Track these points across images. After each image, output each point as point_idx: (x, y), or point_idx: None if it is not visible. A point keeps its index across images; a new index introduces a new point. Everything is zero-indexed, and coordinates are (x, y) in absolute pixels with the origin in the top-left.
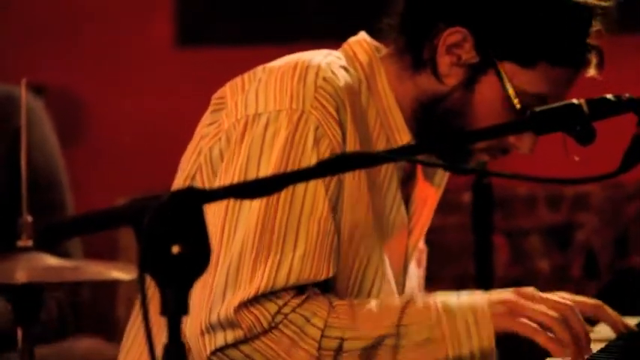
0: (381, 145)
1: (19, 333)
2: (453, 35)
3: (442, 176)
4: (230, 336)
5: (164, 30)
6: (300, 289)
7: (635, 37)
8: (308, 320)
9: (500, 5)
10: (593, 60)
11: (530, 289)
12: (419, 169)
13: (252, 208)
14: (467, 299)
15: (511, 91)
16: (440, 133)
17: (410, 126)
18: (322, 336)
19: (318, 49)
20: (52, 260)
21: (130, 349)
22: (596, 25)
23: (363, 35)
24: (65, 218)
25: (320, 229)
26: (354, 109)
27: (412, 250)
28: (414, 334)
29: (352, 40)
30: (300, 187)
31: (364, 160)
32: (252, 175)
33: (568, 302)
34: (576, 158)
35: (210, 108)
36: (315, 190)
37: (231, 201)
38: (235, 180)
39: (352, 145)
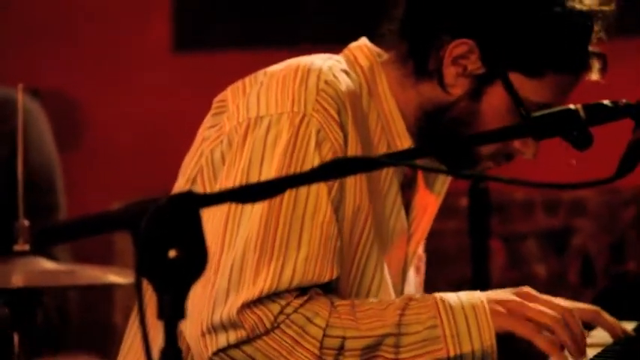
0: (382, 150)
1: (16, 338)
2: (460, 47)
3: (443, 183)
4: (232, 336)
5: (161, 33)
6: (302, 290)
7: (635, 40)
8: (310, 320)
9: (506, 17)
10: (596, 65)
11: (529, 289)
12: (420, 176)
13: (255, 210)
14: (467, 298)
15: (518, 101)
16: (441, 138)
17: (411, 132)
18: (324, 335)
19: (317, 52)
20: (48, 264)
21: (128, 353)
22: (597, 31)
23: (364, 41)
24: (61, 222)
25: (323, 232)
26: (355, 113)
27: (412, 256)
28: (415, 334)
29: (353, 45)
30: (303, 190)
31: (365, 163)
32: (254, 178)
33: (566, 305)
34: (573, 162)
35: (212, 111)
36: (318, 192)
37: (233, 204)
38: (237, 183)
39: (354, 148)
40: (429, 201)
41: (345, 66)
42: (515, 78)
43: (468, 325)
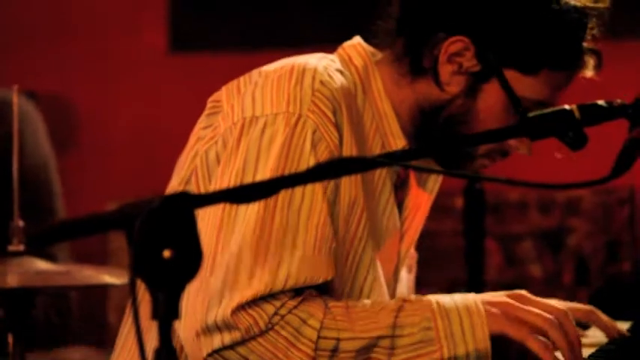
0: (376, 149)
1: (10, 338)
2: (455, 44)
3: (435, 182)
4: (227, 338)
5: (157, 36)
6: (296, 291)
7: (630, 42)
8: (304, 321)
9: (501, 13)
10: (591, 61)
11: (523, 292)
12: (412, 175)
13: (250, 210)
14: (461, 300)
15: (514, 98)
16: (436, 138)
17: (406, 131)
18: (318, 337)
19: (314, 53)
20: (43, 265)
21: (120, 353)
22: (591, 28)
23: (357, 39)
24: (56, 222)
25: (318, 233)
26: (350, 112)
27: (404, 254)
28: (410, 335)
29: (347, 44)
30: (299, 190)
31: (360, 164)
32: (249, 179)
33: (561, 306)
34: (558, 155)
35: (206, 111)
36: (314, 192)
37: (228, 205)
38: (232, 183)
39: (349, 148)
40: (421, 200)
41: (339, 65)
42: (511, 75)
43: (462, 326)
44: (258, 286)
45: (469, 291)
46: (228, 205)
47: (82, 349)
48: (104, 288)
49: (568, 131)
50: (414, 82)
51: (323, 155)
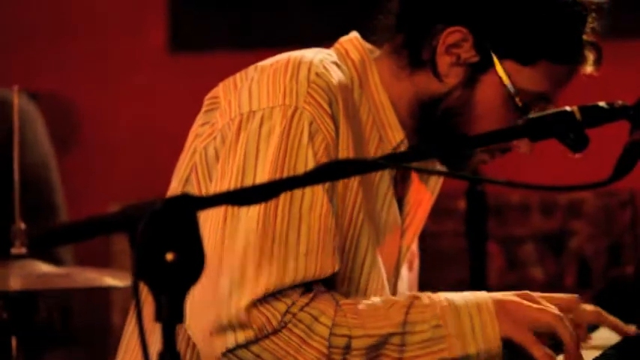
0: (373, 142)
1: (14, 342)
2: (453, 35)
3: (436, 181)
4: (241, 336)
5: (157, 36)
6: (306, 288)
7: (632, 42)
8: (316, 319)
9: (499, 4)
10: (590, 56)
11: (529, 293)
12: (413, 171)
13: (252, 208)
14: (472, 298)
15: (512, 89)
16: (437, 137)
17: (404, 124)
18: (331, 334)
19: None
20: (45, 267)
21: (125, 355)
22: (591, 22)
23: (354, 34)
24: (58, 225)
25: (321, 225)
26: (346, 105)
27: (405, 251)
28: (420, 333)
29: (343, 39)
30: None
31: (361, 166)
32: (249, 174)
33: (572, 299)
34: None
35: (204, 108)
36: (313, 185)
37: None
38: (233, 180)
39: (345, 140)
40: (423, 196)
41: (335, 59)
42: (509, 66)
43: (472, 325)
44: (267, 281)
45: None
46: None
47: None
48: (107, 290)
49: (569, 133)
50: (413, 74)
51: (320, 147)
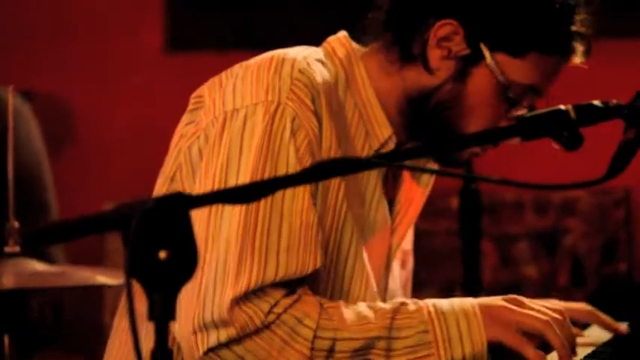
0: (360, 139)
1: (6, 339)
2: (443, 28)
3: (429, 177)
4: (223, 335)
5: (153, 36)
6: (290, 289)
7: (626, 41)
8: (300, 321)
9: None
10: (579, 48)
11: (518, 297)
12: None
13: (234, 205)
14: (459, 303)
15: (504, 81)
16: (427, 131)
17: (392, 120)
18: (314, 336)
19: None
20: (38, 266)
21: (114, 354)
22: (579, 13)
23: (342, 33)
24: (51, 223)
25: (302, 221)
26: (330, 101)
27: (395, 249)
28: (406, 338)
29: (331, 37)
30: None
31: (353, 164)
32: (232, 172)
33: (557, 308)
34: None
35: (189, 107)
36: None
37: None
38: (217, 177)
39: (328, 137)
40: (414, 194)
41: (321, 56)
42: (500, 58)
43: (459, 330)
44: (248, 279)
45: (465, 291)
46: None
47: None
48: (100, 289)
49: (563, 131)
50: (403, 69)
51: (302, 143)
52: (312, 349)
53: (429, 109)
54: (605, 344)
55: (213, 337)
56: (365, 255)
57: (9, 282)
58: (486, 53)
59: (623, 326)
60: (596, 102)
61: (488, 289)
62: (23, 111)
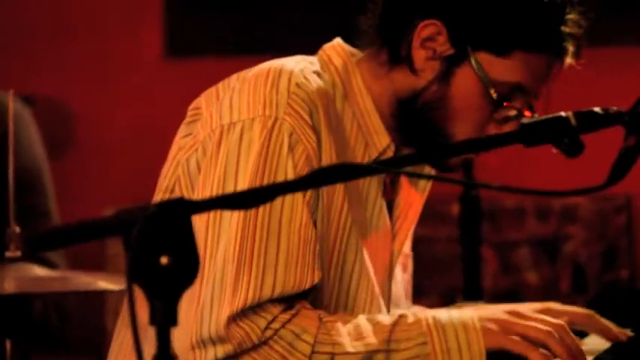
0: (359, 149)
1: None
2: (427, 28)
3: (426, 181)
4: (220, 351)
5: (153, 41)
6: (288, 304)
7: (627, 48)
8: (298, 336)
9: None
10: (570, 48)
11: (519, 308)
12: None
13: (233, 219)
14: (458, 315)
15: (486, 80)
16: (416, 134)
17: (388, 126)
18: (312, 352)
19: None
20: (40, 271)
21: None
22: (571, 13)
23: (337, 40)
24: (53, 228)
25: (301, 237)
26: (328, 114)
27: (397, 254)
28: (405, 350)
29: (327, 45)
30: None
31: (353, 171)
32: (230, 186)
33: (558, 319)
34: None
35: (186, 119)
36: (293, 196)
37: (212, 213)
38: (214, 191)
39: (327, 150)
40: (413, 198)
41: (317, 67)
42: (484, 58)
43: (458, 342)
44: (245, 296)
45: (466, 298)
46: (212, 215)
47: None
48: (101, 294)
49: (564, 138)
50: (392, 72)
51: (300, 158)
52: None
53: (416, 111)
54: (606, 351)
55: (211, 354)
56: (370, 266)
57: (10, 287)
58: (469, 52)
59: (624, 333)
60: (597, 109)
61: (488, 296)
62: (24, 116)
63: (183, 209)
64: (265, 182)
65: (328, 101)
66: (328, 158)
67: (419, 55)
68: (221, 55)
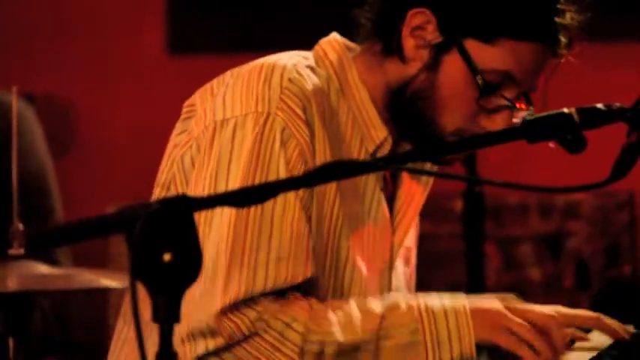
0: (355, 144)
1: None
2: (416, 17)
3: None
4: (211, 344)
5: (155, 38)
6: (280, 293)
7: (630, 44)
8: (288, 325)
9: None
10: (562, 40)
11: (513, 299)
12: None
13: (224, 213)
14: (450, 304)
15: (472, 67)
16: (407, 124)
17: (384, 118)
18: (303, 340)
19: None
20: (43, 268)
21: (118, 358)
22: (565, 5)
23: (333, 35)
24: (56, 226)
25: (293, 230)
26: (322, 109)
27: (398, 247)
28: (395, 338)
29: (323, 40)
30: None
31: (357, 167)
32: (222, 182)
33: (552, 314)
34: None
35: (182, 116)
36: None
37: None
38: (205, 187)
39: (322, 145)
40: (415, 192)
41: (311, 62)
42: (471, 45)
43: (449, 331)
44: (237, 289)
45: (469, 294)
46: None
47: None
48: (104, 291)
49: (567, 134)
50: (384, 62)
51: (293, 153)
52: (300, 353)
53: (405, 101)
54: (611, 347)
55: (202, 347)
56: (360, 260)
57: (14, 284)
58: (455, 39)
59: (628, 330)
60: (600, 105)
61: (491, 293)
62: (27, 115)
63: (185, 206)
64: (257, 178)
65: (322, 96)
66: (322, 153)
67: (408, 43)
68: (223, 54)
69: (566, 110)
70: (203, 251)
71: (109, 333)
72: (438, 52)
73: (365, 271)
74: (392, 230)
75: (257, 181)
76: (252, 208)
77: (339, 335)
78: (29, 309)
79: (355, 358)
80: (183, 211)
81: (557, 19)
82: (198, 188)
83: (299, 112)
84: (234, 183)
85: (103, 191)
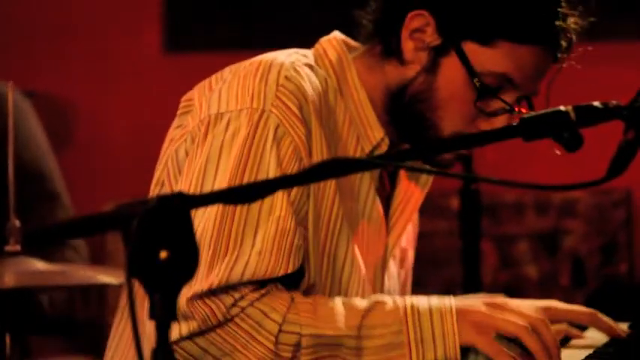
0: (352, 143)
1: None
2: (415, 19)
3: (428, 177)
4: (184, 328)
5: (153, 36)
6: (260, 284)
7: (628, 43)
8: (266, 315)
9: None
10: (562, 43)
11: (500, 299)
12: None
13: (210, 207)
14: (436, 305)
15: (470, 69)
16: (407, 126)
17: (382, 120)
18: (280, 331)
19: None
20: (40, 265)
21: (115, 354)
22: (567, 9)
23: (335, 34)
24: (52, 223)
25: (278, 227)
26: (319, 107)
27: (392, 248)
28: (379, 337)
29: (323, 39)
30: None
31: (354, 165)
32: (210, 176)
33: (539, 311)
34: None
35: (179, 111)
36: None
37: None
38: (193, 180)
39: (318, 143)
40: (412, 193)
41: (310, 60)
42: (470, 47)
43: (433, 332)
44: (214, 278)
45: (465, 292)
46: None
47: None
48: (102, 288)
49: (564, 132)
50: (384, 64)
51: (287, 150)
52: (276, 343)
53: (404, 103)
54: (606, 345)
55: (175, 331)
56: (360, 259)
57: (10, 281)
58: (454, 41)
59: (622, 329)
60: (596, 103)
61: (488, 290)
62: (24, 107)
63: (182, 203)
64: (246, 174)
65: (320, 94)
66: (319, 151)
67: (408, 46)
68: (220, 52)
69: (562, 108)
70: None
71: (106, 329)
72: (437, 54)
73: (364, 270)
74: (387, 230)
75: (245, 178)
76: (240, 204)
77: (317, 329)
78: (25, 305)
79: (335, 353)
80: (179, 208)
81: (557, 23)
82: (186, 181)
83: (295, 109)
84: (223, 177)
85: (101, 189)
